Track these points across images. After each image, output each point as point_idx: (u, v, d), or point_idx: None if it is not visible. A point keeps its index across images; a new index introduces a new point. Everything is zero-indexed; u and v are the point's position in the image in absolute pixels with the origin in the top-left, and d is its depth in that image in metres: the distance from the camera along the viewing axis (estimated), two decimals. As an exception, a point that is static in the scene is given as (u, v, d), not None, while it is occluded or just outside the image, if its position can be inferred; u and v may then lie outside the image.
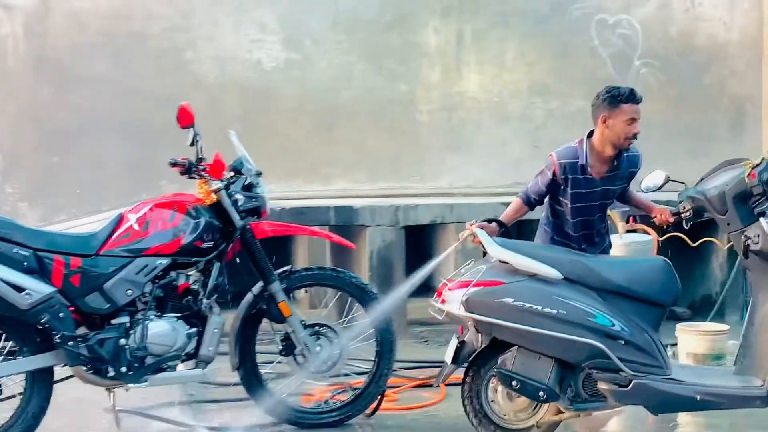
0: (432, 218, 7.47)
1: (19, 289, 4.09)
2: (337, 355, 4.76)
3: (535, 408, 4.19)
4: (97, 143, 8.13)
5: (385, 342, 4.85)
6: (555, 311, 3.98)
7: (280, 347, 4.74)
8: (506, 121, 8.60)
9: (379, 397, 4.87)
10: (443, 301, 4.16)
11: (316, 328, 4.77)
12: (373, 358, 4.87)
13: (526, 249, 4.17)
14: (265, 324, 4.80)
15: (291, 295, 4.79)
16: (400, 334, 7.15)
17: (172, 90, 7.62)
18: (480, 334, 4.14)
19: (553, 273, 4.06)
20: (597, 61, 8.53)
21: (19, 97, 8.22)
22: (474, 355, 4.21)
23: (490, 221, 4.50)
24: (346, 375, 4.96)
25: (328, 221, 7.30)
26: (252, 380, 4.76)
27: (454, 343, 4.22)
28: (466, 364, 4.24)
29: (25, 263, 4.17)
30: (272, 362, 4.92)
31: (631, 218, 4.90)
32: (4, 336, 4.26)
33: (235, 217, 4.57)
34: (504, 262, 4.13)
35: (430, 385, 5.50)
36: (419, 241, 7.86)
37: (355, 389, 4.92)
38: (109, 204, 7.43)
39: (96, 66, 8.13)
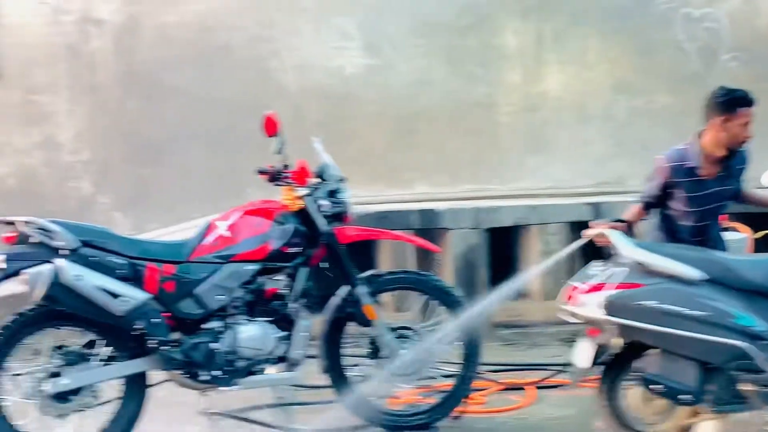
0: (515, 220, 7.42)
1: (115, 295, 4.21)
2: (422, 357, 4.77)
3: (672, 410, 4.10)
4: (184, 153, 8.34)
5: (470, 344, 4.85)
6: (699, 313, 3.88)
7: (367, 350, 4.78)
8: (588, 120, 8.51)
9: (465, 399, 4.87)
10: (575, 304, 4.08)
11: (402, 331, 4.79)
12: (459, 361, 4.88)
13: (663, 250, 4.08)
14: (353, 327, 4.84)
15: (376, 298, 4.82)
16: (486, 336, 7.14)
17: (256, 99, 7.78)
18: (615, 337, 4.05)
19: (694, 274, 3.96)
20: (682, 57, 8.38)
21: (109, 110, 8.49)
22: (609, 358, 4.14)
23: (615, 221, 4.41)
24: (432, 378, 4.97)
25: (411, 225, 7.31)
26: (340, 383, 4.81)
27: (586, 346, 4.12)
28: (597, 366, 4.15)
29: (120, 271, 4.29)
30: (360, 365, 4.95)
31: (724, 216, 4.76)
32: (104, 342, 4.38)
33: (321, 222, 4.63)
34: (640, 263, 4.03)
35: (518, 388, 5.48)
36: (502, 244, 7.82)
37: (442, 392, 4.93)
38: (198, 212, 7.61)
39: (183, 78, 8.34)
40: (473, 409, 5.07)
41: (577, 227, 5.49)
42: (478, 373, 5.01)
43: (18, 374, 4.27)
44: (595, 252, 4.36)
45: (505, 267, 8.81)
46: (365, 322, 4.75)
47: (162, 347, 4.31)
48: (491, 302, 4.65)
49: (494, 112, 8.49)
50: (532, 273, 4.40)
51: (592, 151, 8.41)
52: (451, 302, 4.83)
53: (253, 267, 4.50)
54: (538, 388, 5.52)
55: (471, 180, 8.53)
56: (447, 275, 7.16)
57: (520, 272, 4.43)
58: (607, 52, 8.41)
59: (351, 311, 4.75)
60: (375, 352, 4.77)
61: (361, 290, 4.72)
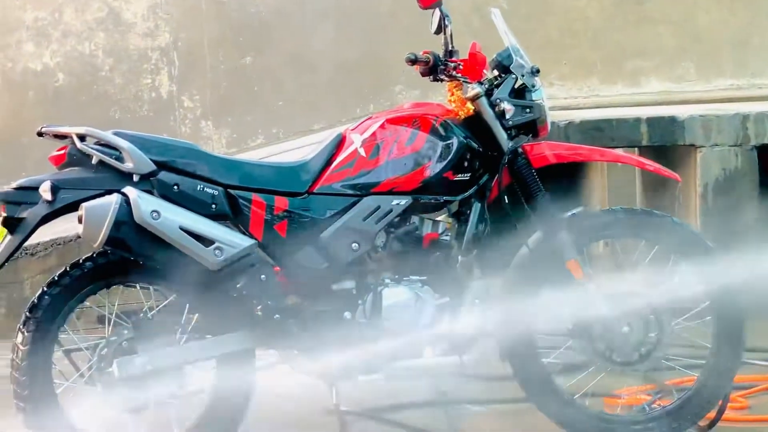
0: (802, 132, 7.23)
1: (207, 242, 4.32)
2: (654, 338, 4.74)
3: None
4: (302, 35, 8.45)
5: (728, 320, 4.77)
6: None
7: (570, 326, 4.78)
8: None
9: (720, 401, 4.81)
10: None
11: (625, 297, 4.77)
12: (709, 345, 4.81)
13: None
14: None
15: (584, 250, 4.80)
16: (753, 308, 7.02)
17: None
18: None
19: None
20: None
21: (197, -29, 8.68)
22: None
23: None
24: (668, 369, 4.93)
25: (638, 140, 7.23)
26: (530, 373, 4.82)
27: None
28: None
29: (213, 206, 4.40)
30: (559, 348, 4.96)
31: None
32: (187, 307, 4.52)
33: (502, 135, 4.62)
34: None
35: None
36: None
37: (683, 390, 4.89)
38: (321, 120, 7.75)
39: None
40: (731, 416, 5.01)
41: None
42: (741, 363, 4.93)
43: (74, 350, 4.45)
44: None
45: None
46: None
47: (272, 316, 4.42)
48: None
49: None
50: None
51: None
52: (697, 255, 4.76)
53: (402, 201, 4.54)
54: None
55: (734, 71, 8.30)
56: (692, 216, 7.06)
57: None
58: None
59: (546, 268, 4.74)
60: (582, 330, 4.75)
61: (563, 238, 4.71)
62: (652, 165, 5.13)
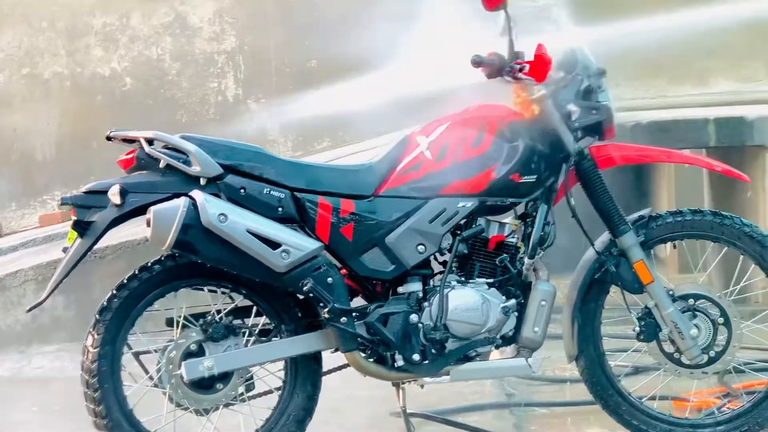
0: None
1: (274, 245, 4.33)
2: (723, 341, 4.71)
3: None
4: (370, 36, 8.46)
5: None
6: None
7: (638, 329, 4.76)
8: None
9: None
10: None
11: (691, 301, 4.74)
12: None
13: None
14: (613, 295, 4.83)
15: (651, 252, 4.77)
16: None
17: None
18: None
19: None
20: None
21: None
22: None
23: None
24: (738, 372, 4.89)
25: (706, 141, 7.19)
26: (598, 376, 4.80)
27: None
28: None
29: (280, 209, 4.42)
30: (626, 350, 4.94)
31: None
32: (255, 310, 4.56)
33: (568, 137, 4.60)
34: None
35: None
36: None
37: (753, 393, 4.85)
38: (387, 123, 7.74)
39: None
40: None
41: None
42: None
43: (143, 352, 4.50)
44: None
45: None
46: (635, 287, 4.72)
47: (339, 319, 4.42)
48: None
49: None
50: None
51: None
52: (766, 257, 4.73)
53: (468, 204, 4.53)
54: None
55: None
56: (761, 217, 7.00)
57: None
58: None
59: (614, 270, 4.73)
60: (650, 332, 4.74)
61: (630, 239, 4.69)
62: (720, 166, 5.09)
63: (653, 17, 7.47)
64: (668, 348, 4.74)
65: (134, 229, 6.62)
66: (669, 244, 5.04)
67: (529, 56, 4.61)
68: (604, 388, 4.81)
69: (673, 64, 8.35)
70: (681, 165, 6.82)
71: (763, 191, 7.06)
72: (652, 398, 4.85)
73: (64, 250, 4.43)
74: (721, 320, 4.72)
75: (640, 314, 4.75)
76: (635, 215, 4.77)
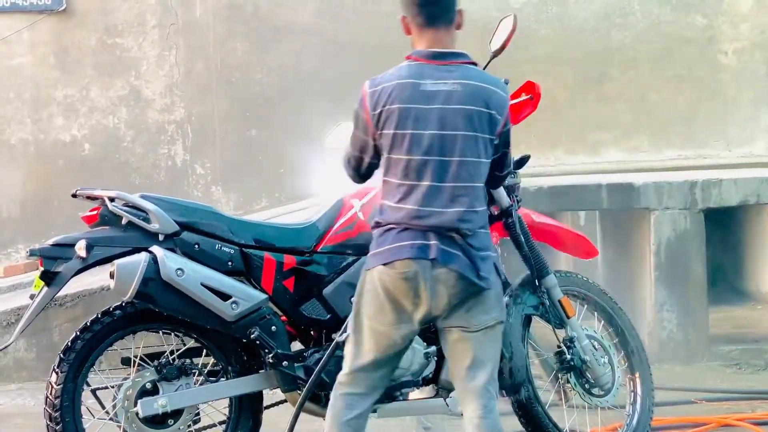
0: (743, 197, 7.25)
1: (225, 296, 4.31)
2: (612, 378, 4.79)
3: None
4: (302, 109, 8.48)
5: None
6: None
7: (568, 356, 4.74)
8: None
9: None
10: None
11: (591, 341, 4.79)
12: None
13: None
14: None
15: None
16: (701, 354, 7.02)
17: (393, 41, 7.84)
18: None
19: None
20: None
21: (208, 55, 8.72)
22: None
23: None
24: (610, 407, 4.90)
25: (599, 204, 7.26)
26: (532, 408, 4.74)
27: None
28: None
29: (230, 263, 4.39)
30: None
31: None
32: (204, 352, 4.52)
33: (504, 197, 4.63)
34: None
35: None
36: (725, 230, 7.66)
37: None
38: (319, 185, 7.75)
39: (300, 15, 8.47)
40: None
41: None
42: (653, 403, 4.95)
43: (101, 388, 4.45)
44: None
45: (728, 261, 8.64)
46: (559, 321, 4.74)
47: (281, 362, 4.40)
48: None
49: (715, 50, 8.30)
50: None
51: None
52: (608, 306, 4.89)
53: (396, 260, 4.53)
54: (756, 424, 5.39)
55: (682, 143, 8.36)
56: (647, 271, 7.08)
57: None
58: None
59: (536, 305, 4.73)
60: (567, 365, 4.74)
61: (552, 280, 4.71)
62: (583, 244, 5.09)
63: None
64: (585, 380, 4.72)
65: (92, 279, 6.55)
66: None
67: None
68: (538, 420, 4.70)
69: (568, 136, 8.46)
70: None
71: (649, 248, 7.14)
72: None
73: (32, 297, 4.36)
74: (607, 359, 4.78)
75: (567, 344, 4.72)
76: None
